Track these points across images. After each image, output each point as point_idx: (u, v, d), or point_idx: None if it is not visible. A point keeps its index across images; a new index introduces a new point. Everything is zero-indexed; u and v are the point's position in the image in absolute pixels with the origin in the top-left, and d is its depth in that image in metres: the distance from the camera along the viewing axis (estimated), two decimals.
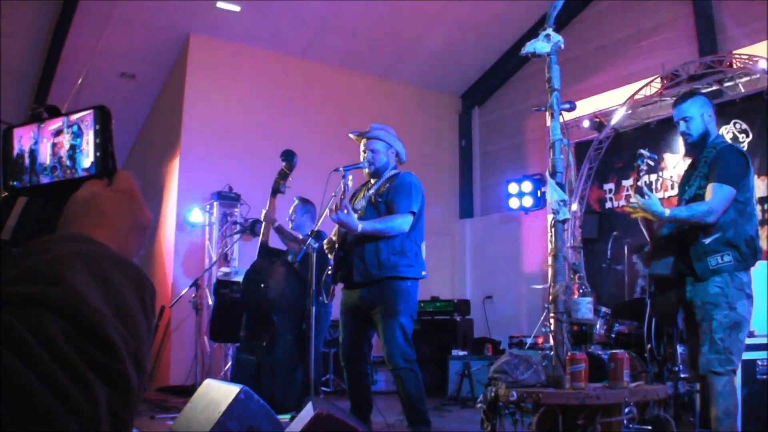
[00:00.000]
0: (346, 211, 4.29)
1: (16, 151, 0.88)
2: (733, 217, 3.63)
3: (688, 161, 4.14)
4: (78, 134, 0.85)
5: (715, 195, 3.59)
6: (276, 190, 5.59)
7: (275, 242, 6.21)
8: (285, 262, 5.85)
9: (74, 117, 0.86)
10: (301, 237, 5.95)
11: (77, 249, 0.67)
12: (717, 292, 3.59)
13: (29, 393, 0.53)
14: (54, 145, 0.86)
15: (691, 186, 3.82)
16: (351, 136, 4.81)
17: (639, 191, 3.58)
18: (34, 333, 0.56)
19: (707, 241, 3.63)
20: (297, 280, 5.82)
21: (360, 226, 4.32)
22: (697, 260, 3.67)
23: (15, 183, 0.87)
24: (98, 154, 0.83)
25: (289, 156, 5.60)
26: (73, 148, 0.85)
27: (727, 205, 3.60)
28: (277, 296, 5.66)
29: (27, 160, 0.87)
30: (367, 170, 4.65)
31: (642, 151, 3.78)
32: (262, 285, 5.58)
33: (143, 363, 0.66)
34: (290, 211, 6.21)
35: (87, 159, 0.84)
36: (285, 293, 5.69)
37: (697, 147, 3.88)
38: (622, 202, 3.68)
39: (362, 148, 4.70)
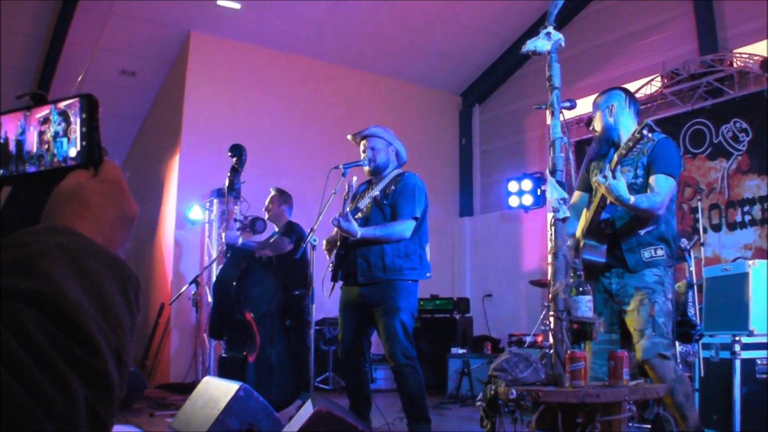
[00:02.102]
0: (346, 219, 4.32)
1: (0, 139, 0.85)
2: (664, 213, 3.61)
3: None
4: (65, 123, 0.82)
5: (663, 187, 3.54)
6: (231, 188, 5.56)
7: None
8: (254, 259, 5.81)
9: (61, 105, 0.84)
10: (271, 236, 5.93)
11: (59, 241, 0.65)
12: (655, 279, 3.56)
13: (2, 391, 0.51)
14: (41, 133, 0.84)
15: (624, 173, 3.63)
16: (349, 137, 4.82)
17: (613, 170, 3.44)
18: (10, 327, 0.54)
19: (642, 232, 3.59)
20: (270, 277, 5.79)
21: (360, 232, 4.34)
22: (629, 251, 3.61)
23: (1, 172, 0.85)
24: (84, 143, 0.81)
25: (237, 151, 5.56)
26: (60, 137, 0.82)
27: (670, 199, 3.59)
28: (251, 296, 5.58)
29: (13, 149, 0.85)
30: (368, 168, 4.65)
31: (649, 122, 3.52)
32: (234, 284, 5.52)
33: (125, 360, 0.63)
34: (267, 202, 6.21)
35: (73, 148, 0.81)
36: (258, 291, 5.64)
37: (604, 140, 3.83)
38: None
39: (362, 148, 4.71)
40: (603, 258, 3.66)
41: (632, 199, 3.43)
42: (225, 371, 5.48)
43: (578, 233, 3.79)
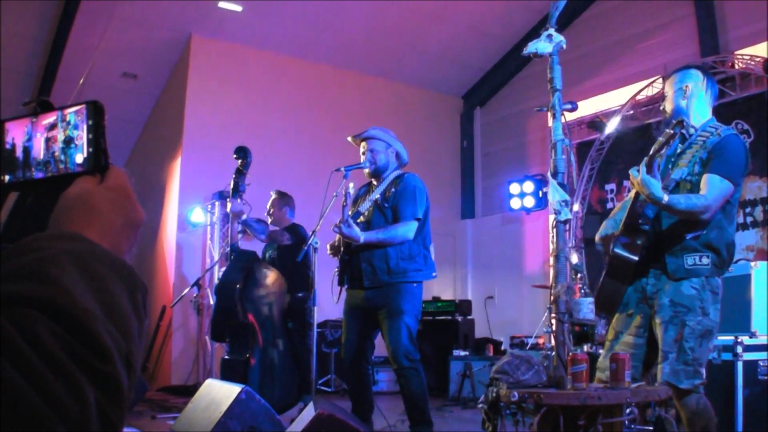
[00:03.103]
0: (348, 225, 4.31)
1: (7, 145, 0.86)
2: (719, 217, 3.27)
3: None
4: (72, 129, 0.83)
5: (714, 190, 3.19)
6: (235, 190, 5.57)
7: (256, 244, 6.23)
8: (258, 261, 5.80)
9: (68, 111, 0.84)
10: (269, 229, 5.95)
11: (68, 248, 0.66)
12: (692, 295, 3.23)
13: (17, 394, 0.52)
14: (48, 139, 0.84)
15: (679, 167, 3.38)
16: (349, 139, 4.82)
17: (649, 165, 3.20)
18: (23, 333, 0.55)
19: (688, 236, 3.26)
20: (272, 279, 5.78)
21: (362, 237, 4.34)
22: (671, 255, 3.30)
23: (8, 177, 0.85)
24: (91, 149, 0.82)
25: (242, 153, 5.57)
26: (67, 143, 0.83)
27: (722, 203, 3.22)
28: (254, 298, 5.57)
29: (20, 155, 0.85)
30: (367, 170, 4.65)
31: (685, 119, 3.28)
32: (238, 286, 5.52)
33: (134, 364, 0.64)
34: (268, 206, 6.23)
35: (80, 155, 0.82)
36: (261, 293, 5.63)
37: (670, 124, 3.38)
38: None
39: (362, 150, 4.71)
40: (636, 256, 3.36)
41: (666, 197, 3.15)
42: (227, 374, 5.48)
43: (620, 226, 3.49)
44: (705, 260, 3.25)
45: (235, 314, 5.47)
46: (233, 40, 9.78)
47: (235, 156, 5.58)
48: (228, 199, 5.73)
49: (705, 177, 3.24)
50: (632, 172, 3.26)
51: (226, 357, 5.73)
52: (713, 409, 3.30)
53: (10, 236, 0.80)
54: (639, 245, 3.37)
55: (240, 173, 5.55)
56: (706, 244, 3.26)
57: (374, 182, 4.72)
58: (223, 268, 8.32)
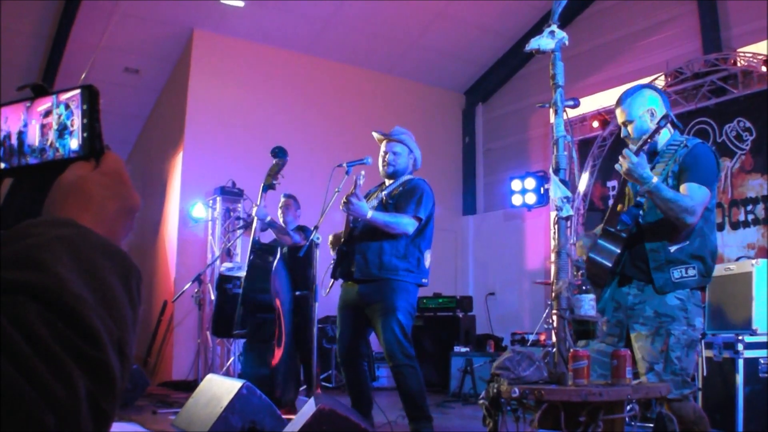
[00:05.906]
0: (357, 199, 4.31)
1: (3, 132, 0.85)
2: (700, 226, 3.23)
3: None
4: (67, 114, 0.82)
5: (695, 196, 3.15)
6: (269, 186, 5.61)
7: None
8: (280, 257, 5.85)
9: (63, 97, 0.83)
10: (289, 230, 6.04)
11: (61, 234, 0.65)
12: (676, 305, 3.21)
13: (5, 382, 0.51)
14: (43, 126, 0.83)
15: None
16: (374, 135, 4.80)
17: (636, 152, 3.16)
18: (13, 320, 0.54)
19: (673, 249, 3.23)
20: (288, 275, 5.84)
21: (370, 213, 4.33)
22: (657, 270, 3.25)
23: (3, 164, 0.84)
24: (85, 134, 0.80)
25: (281, 153, 5.62)
26: (62, 129, 0.82)
27: (703, 210, 3.19)
28: (277, 292, 5.64)
29: (15, 142, 0.84)
30: (383, 170, 4.65)
31: (670, 114, 3.29)
32: (264, 282, 5.57)
33: (127, 352, 0.63)
34: (280, 206, 6.33)
35: (75, 140, 0.81)
36: (282, 288, 5.69)
37: (646, 151, 3.31)
38: None
39: (383, 149, 4.69)
40: (610, 263, 3.32)
41: (655, 179, 3.13)
42: (250, 365, 5.55)
43: (600, 231, 3.47)
44: (692, 272, 3.24)
45: (263, 303, 5.55)
46: (235, 35, 9.77)
47: (272, 154, 5.66)
48: (259, 198, 5.79)
49: (683, 186, 3.22)
50: (626, 151, 3.20)
51: (249, 353, 5.79)
52: (713, 407, 3.30)
53: (5, 222, 0.79)
54: (616, 252, 3.34)
55: (276, 171, 5.64)
56: (691, 254, 3.25)
57: (387, 182, 4.73)
58: (226, 263, 8.36)
